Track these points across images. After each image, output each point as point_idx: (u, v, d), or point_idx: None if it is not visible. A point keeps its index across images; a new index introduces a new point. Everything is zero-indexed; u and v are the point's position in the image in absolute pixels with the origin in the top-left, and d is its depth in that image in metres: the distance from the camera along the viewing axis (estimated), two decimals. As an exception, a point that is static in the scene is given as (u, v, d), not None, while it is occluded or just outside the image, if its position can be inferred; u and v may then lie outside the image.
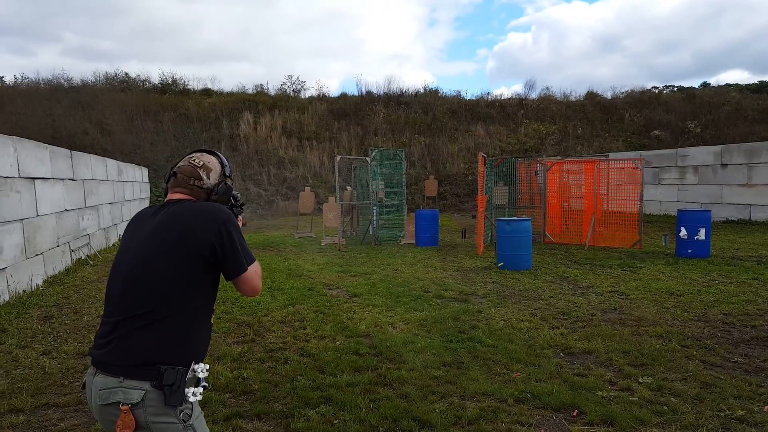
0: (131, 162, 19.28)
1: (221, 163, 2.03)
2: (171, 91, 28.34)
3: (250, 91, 29.92)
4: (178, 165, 1.98)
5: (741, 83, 53.88)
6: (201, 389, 1.76)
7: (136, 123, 24.81)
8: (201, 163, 1.97)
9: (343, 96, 29.45)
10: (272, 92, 29.96)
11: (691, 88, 32.02)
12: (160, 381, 1.65)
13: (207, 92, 30.33)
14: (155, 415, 1.65)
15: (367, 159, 13.06)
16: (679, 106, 26.99)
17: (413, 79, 48.26)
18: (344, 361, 4.64)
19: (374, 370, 4.47)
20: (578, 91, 30.07)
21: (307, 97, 29.68)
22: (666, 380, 4.23)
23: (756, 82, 58.17)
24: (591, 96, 28.94)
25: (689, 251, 9.56)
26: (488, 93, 30.12)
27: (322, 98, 29.27)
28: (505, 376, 4.39)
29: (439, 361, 4.70)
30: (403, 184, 13.70)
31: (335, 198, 13.19)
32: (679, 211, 9.93)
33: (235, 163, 23.96)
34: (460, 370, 4.49)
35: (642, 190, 11.08)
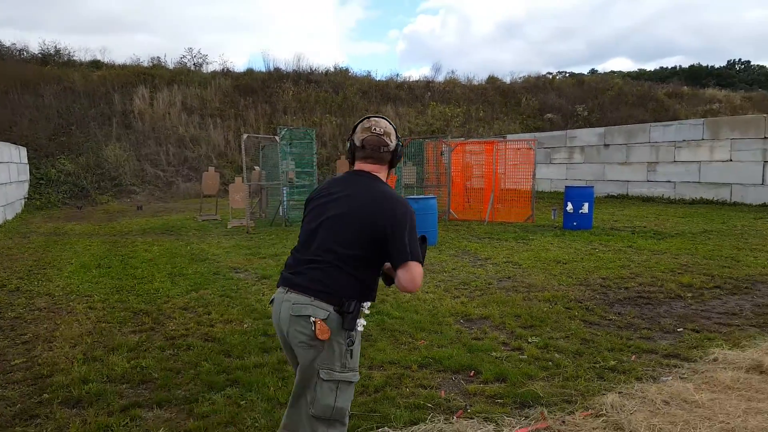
0: (7, 141, 17.42)
1: (391, 124, 2.30)
2: (53, 63, 25.94)
3: (145, 64, 28.12)
4: (359, 138, 2.23)
5: (624, 70, 58.55)
6: (364, 321, 2.18)
7: (12, 97, 22.47)
8: (382, 130, 2.23)
9: (250, 72, 28.51)
10: (171, 66, 28.37)
11: (581, 74, 34.43)
12: (341, 307, 2.06)
13: (96, 64, 28.08)
14: (334, 328, 2.07)
15: (276, 138, 12.84)
16: (569, 91, 28.94)
17: (325, 57, 47.71)
18: (252, 343, 4.64)
19: (283, 350, 4.52)
20: (480, 76, 31.33)
21: (210, 71, 28.41)
22: (551, 339, 4.67)
23: (636, 69, 63.48)
24: (492, 80, 30.24)
25: (574, 224, 10.44)
26: (397, 75, 30.62)
27: (226, 73, 28.14)
28: (410, 345, 4.62)
29: (348, 333, 4.84)
30: (314, 164, 13.64)
31: (242, 178, 12.87)
32: (566, 187, 10.78)
33: (128, 142, 22.53)
34: (368, 342, 4.66)
35: (535, 169, 11.88)
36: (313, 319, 2.05)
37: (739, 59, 63.82)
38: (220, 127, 24.26)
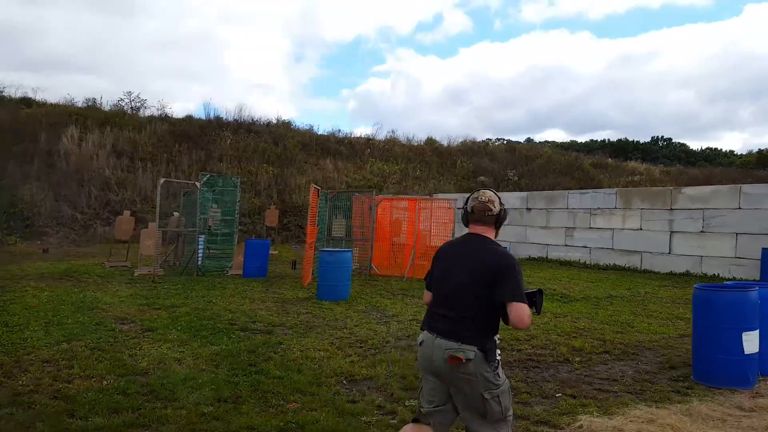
0: None
1: (496, 194, 2.88)
2: (-22, 97, 24.77)
3: (79, 105, 27.32)
4: (470, 205, 2.85)
5: (558, 141, 61.89)
6: (499, 351, 2.78)
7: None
8: (486, 198, 2.82)
9: (189, 118, 28.18)
10: (107, 108, 27.66)
11: (513, 142, 36.07)
12: (483, 347, 2.63)
13: (26, 102, 27.05)
14: (480, 366, 2.61)
15: (197, 183, 12.51)
16: (502, 157, 30.18)
17: (273, 109, 48.05)
18: (103, 402, 4.23)
19: (136, 411, 4.13)
20: (419, 136, 32.31)
21: (147, 116, 27.88)
22: (429, 402, 4.51)
23: (569, 140, 67.35)
24: (430, 142, 31.19)
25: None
26: (339, 130, 30.97)
27: (164, 119, 27.69)
28: (279, 408, 4.35)
29: (216, 396, 4.51)
30: (236, 212, 13.33)
31: (156, 224, 12.36)
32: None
33: (48, 182, 21.45)
34: (234, 405, 4.35)
35: (454, 228, 12.04)
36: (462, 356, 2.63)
37: (662, 136, 68.78)
38: (150, 171, 23.57)
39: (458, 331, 2.66)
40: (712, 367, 5.04)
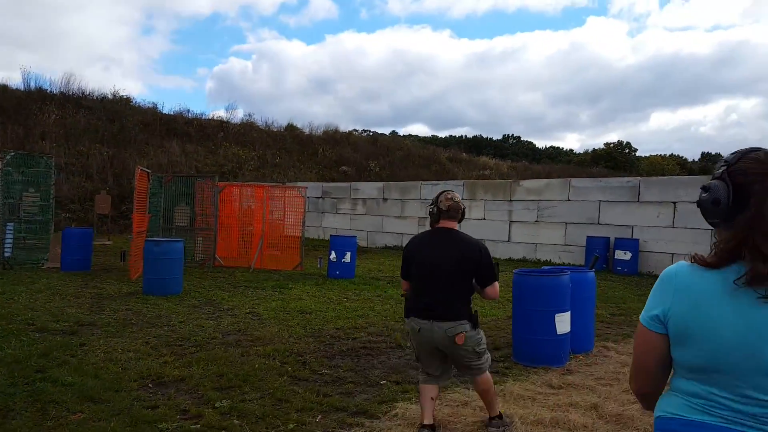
0: None
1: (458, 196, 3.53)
2: None
3: None
4: (445, 205, 3.42)
5: (420, 135, 64.32)
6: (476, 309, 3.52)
7: None
8: (458, 199, 3.47)
9: (3, 88, 24.36)
10: None
11: (376, 133, 36.61)
12: (470, 318, 3.36)
13: None
14: (471, 332, 3.37)
15: (-2, 164, 10.69)
16: (364, 147, 30.41)
17: (117, 84, 43.49)
18: None
19: None
20: (280, 122, 31.25)
21: (-52, 85, 23.62)
22: (243, 401, 4.10)
23: (431, 135, 70.35)
24: (291, 128, 30.42)
25: (337, 273, 10.36)
26: (188, 110, 28.74)
27: (-28, 89, 23.66)
28: (59, 420, 3.65)
29: (-26, 411, 3.68)
30: (51, 197, 11.64)
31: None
32: (331, 236, 10.74)
33: None
34: (1, 421, 3.58)
35: (304, 217, 11.68)
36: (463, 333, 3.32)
37: (512, 134, 74.76)
38: (36, 155, 20.00)
39: (450, 311, 3.30)
40: (529, 347, 5.25)
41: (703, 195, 1.31)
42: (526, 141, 73.90)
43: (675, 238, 12.27)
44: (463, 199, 16.14)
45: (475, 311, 3.43)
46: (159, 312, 7.18)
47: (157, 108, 27.95)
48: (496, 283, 3.40)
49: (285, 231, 11.99)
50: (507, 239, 15.18)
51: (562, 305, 5.20)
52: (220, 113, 32.99)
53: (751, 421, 1.22)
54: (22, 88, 24.98)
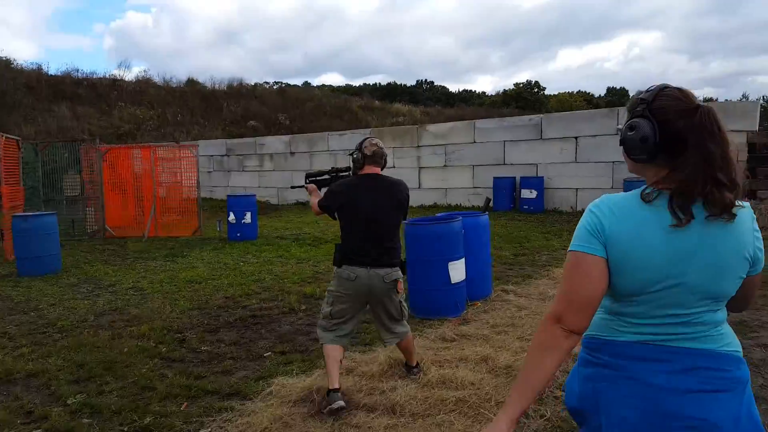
0: None
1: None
2: None
3: None
4: (369, 150, 3.34)
5: (334, 84, 62.75)
6: None
7: None
8: (382, 145, 3.40)
9: None
10: None
11: (284, 85, 35.10)
12: (402, 267, 3.37)
13: None
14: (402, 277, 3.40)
15: None
16: (272, 100, 29.08)
17: (12, 48, 38.64)
18: None
19: None
20: (179, 77, 29.11)
21: None
22: (102, 393, 3.66)
23: (344, 84, 68.85)
24: (192, 83, 28.49)
25: (238, 234, 9.83)
26: (77, 70, 26.03)
27: None
28: None
29: None
30: None
31: None
32: (228, 196, 10.13)
33: None
34: None
35: (198, 178, 10.91)
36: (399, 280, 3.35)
37: (425, 79, 74.57)
38: None
39: (386, 258, 3.26)
40: (424, 299, 5.10)
41: (629, 133, 1.34)
42: (440, 86, 73.97)
43: (577, 173, 12.60)
44: (371, 148, 15.82)
45: (404, 259, 3.39)
46: (29, 295, 6.44)
47: (42, 70, 25.12)
48: None
49: (182, 194, 11.18)
50: (417, 186, 15.09)
51: (454, 253, 5.06)
52: (114, 72, 30.30)
53: (676, 337, 1.31)
54: None
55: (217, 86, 29.08)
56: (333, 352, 3.31)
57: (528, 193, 12.99)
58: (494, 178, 13.40)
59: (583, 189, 12.44)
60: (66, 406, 3.51)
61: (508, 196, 13.22)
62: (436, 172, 14.79)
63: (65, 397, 3.62)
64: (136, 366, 4.15)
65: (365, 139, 3.42)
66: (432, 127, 15.18)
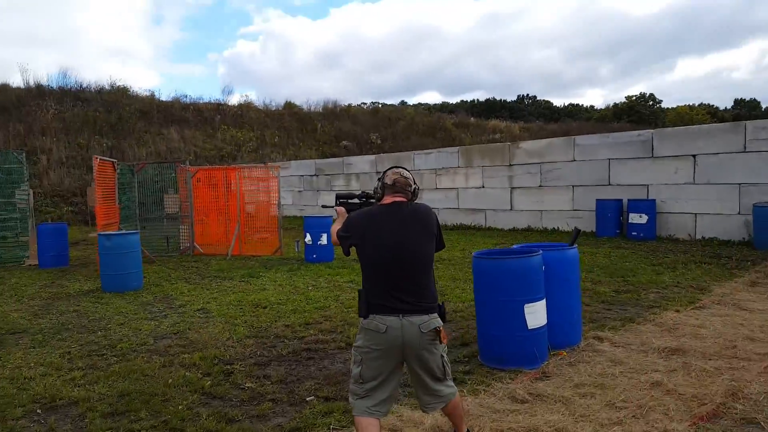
0: None
1: (411, 174, 2.99)
2: None
3: None
4: (390, 178, 2.88)
5: (431, 103, 62.66)
6: None
7: None
8: (407, 175, 2.92)
9: (4, 87, 24.08)
10: None
11: (376, 104, 35.47)
12: (439, 312, 2.75)
13: None
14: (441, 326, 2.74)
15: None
16: (365, 120, 29.39)
17: (138, 78, 43.14)
18: None
19: None
20: (278, 101, 30.44)
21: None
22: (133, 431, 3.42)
23: (441, 102, 68.63)
24: (289, 106, 29.56)
25: (314, 256, 9.62)
26: (185, 96, 28.09)
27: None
28: None
29: None
30: (27, 192, 11.13)
31: None
32: (305, 217, 9.98)
33: None
34: None
35: (279, 198, 10.91)
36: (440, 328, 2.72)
37: (527, 94, 72.50)
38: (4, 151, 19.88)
39: (421, 302, 2.69)
40: (495, 346, 4.41)
41: None
42: (543, 100, 71.59)
43: (697, 195, 11.07)
44: (458, 166, 15.10)
45: (442, 302, 2.81)
46: (104, 313, 6.57)
47: (155, 96, 27.36)
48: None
49: (266, 214, 11.25)
50: (509, 207, 14.20)
51: (533, 293, 4.31)
52: (218, 96, 32.27)
53: None
54: (22, 85, 24.67)
55: (312, 108, 29.95)
56: (367, 428, 2.67)
57: (637, 218, 11.64)
58: (597, 200, 12.21)
59: (703, 214, 10.92)
60: (90, 444, 3.29)
61: (614, 220, 11.95)
62: (531, 193, 13.81)
63: (94, 433, 3.41)
64: (174, 400, 3.88)
65: (389, 169, 2.97)
66: (526, 144, 14.26)
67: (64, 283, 8.68)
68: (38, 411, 3.80)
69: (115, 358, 4.88)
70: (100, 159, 9.32)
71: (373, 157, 17.77)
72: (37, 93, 24.02)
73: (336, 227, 3.00)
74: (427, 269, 2.75)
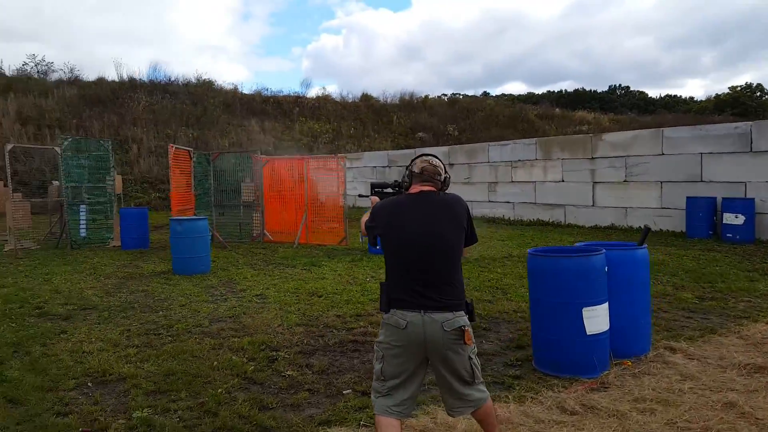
0: None
1: (441, 161, 2.79)
2: None
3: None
4: (419, 167, 2.70)
5: (515, 93, 60.77)
6: None
7: None
8: (437, 163, 2.74)
9: (100, 81, 26.04)
10: (9, 73, 25.31)
11: (455, 95, 34.81)
12: (467, 310, 2.55)
13: None
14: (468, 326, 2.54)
15: (56, 149, 11.03)
16: (442, 111, 28.94)
17: (223, 71, 45.59)
18: None
19: None
20: (355, 93, 30.70)
21: (54, 80, 25.61)
22: (166, 411, 3.47)
23: (526, 93, 66.34)
24: (366, 98, 29.69)
25: (377, 247, 9.45)
26: (266, 89, 29.05)
27: (73, 82, 25.50)
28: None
29: None
30: (112, 178, 11.90)
31: (10, 193, 10.90)
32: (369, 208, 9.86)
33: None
34: None
35: (345, 187, 10.89)
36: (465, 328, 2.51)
37: (620, 85, 68.60)
38: (59, 138, 21.75)
39: (445, 298, 2.52)
40: (551, 351, 4.05)
41: None
42: (637, 91, 67.45)
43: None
44: (536, 158, 14.40)
45: (471, 300, 2.61)
46: (170, 294, 6.83)
47: (237, 89, 28.51)
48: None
49: (332, 204, 11.31)
50: (591, 203, 13.37)
51: (593, 296, 3.92)
52: (297, 89, 33.38)
53: None
54: (116, 79, 26.56)
55: (389, 100, 29.92)
56: (387, 428, 2.54)
57: (732, 218, 10.53)
58: (687, 198, 11.20)
59: (811, 216, 9.70)
60: (128, 420, 3.35)
61: (706, 220, 10.91)
62: (614, 188, 12.92)
63: (133, 410, 3.48)
64: (216, 383, 3.91)
65: (417, 156, 2.80)
66: (609, 137, 13.33)
67: (140, 264, 9.15)
68: (89, 384, 3.96)
69: (169, 338, 5.02)
70: (176, 147, 9.73)
71: (446, 148, 17.41)
72: (129, 86, 25.75)
73: (365, 218, 2.86)
74: (453, 263, 2.55)
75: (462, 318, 2.51)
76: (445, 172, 2.78)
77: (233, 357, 4.45)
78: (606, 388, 3.71)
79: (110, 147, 11.94)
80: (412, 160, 2.78)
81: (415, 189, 2.68)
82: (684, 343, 4.49)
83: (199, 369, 4.18)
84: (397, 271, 2.59)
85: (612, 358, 4.09)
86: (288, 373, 4.14)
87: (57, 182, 13.20)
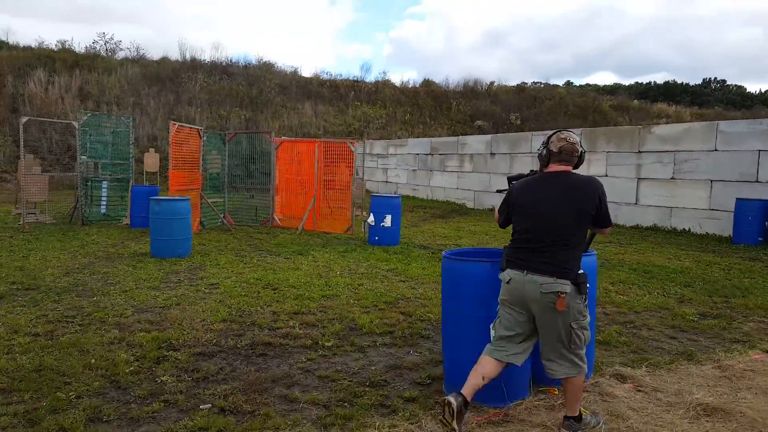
0: None
1: (576, 137, 2.92)
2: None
3: (53, 47, 26.40)
4: (556, 145, 2.85)
5: (601, 84, 57.39)
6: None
7: None
8: (573, 140, 2.86)
9: (163, 60, 26.86)
10: (78, 50, 26.65)
11: (522, 83, 33.05)
12: (575, 280, 2.70)
13: (-7, 45, 26.46)
14: (573, 298, 2.71)
15: (74, 123, 11.20)
16: (507, 99, 27.50)
17: (313, 57, 46.22)
18: None
19: None
20: (417, 78, 29.95)
21: (120, 58, 26.71)
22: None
23: (613, 84, 62.57)
24: (427, 84, 28.81)
25: (376, 238, 8.87)
26: (325, 72, 28.89)
27: (137, 61, 26.47)
28: None
29: None
30: (130, 156, 11.99)
31: (23, 167, 11.22)
32: (372, 196, 9.22)
33: (10, 127, 20.83)
34: None
35: (355, 173, 10.28)
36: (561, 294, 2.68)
37: (715, 78, 63.60)
38: (114, 115, 22.65)
39: (552, 264, 2.72)
40: (459, 372, 3.32)
41: None
42: (735, 85, 62.10)
43: None
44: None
45: (582, 271, 2.76)
46: (125, 278, 6.50)
47: (297, 72, 28.49)
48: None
49: (342, 191, 10.74)
50: (634, 201, 11.99)
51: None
52: (403, 77, 32.95)
53: None
54: (179, 58, 27.28)
55: (450, 86, 28.82)
56: (485, 365, 2.86)
57: (788, 225, 9.01)
58: (737, 199, 9.70)
59: None
60: None
61: (757, 225, 9.40)
62: (661, 186, 11.49)
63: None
64: (76, 384, 3.50)
65: (553, 133, 2.95)
66: (659, 129, 11.84)
67: (129, 244, 8.90)
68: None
69: (77, 328, 4.65)
70: (178, 125, 9.53)
71: (488, 137, 16.31)
72: (190, 66, 26.31)
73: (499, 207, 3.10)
74: (567, 246, 2.72)
75: (562, 285, 2.66)
76: (581, 146, 2.91)
77: (122, 354, 4.03)
78: (508, 421, 2.95)
79: (131, 123, 11.99)
80: (549, 137, 2.92)
81: (552, 168, 2.87)
82: (642, 370, 3.64)
83: (72, 366, 3.78)
84: (515, 242, 2.88)
85: (532, 385, 3.29)
86: (162, 378, 3.65)
87: (84, 158, 13.49)
